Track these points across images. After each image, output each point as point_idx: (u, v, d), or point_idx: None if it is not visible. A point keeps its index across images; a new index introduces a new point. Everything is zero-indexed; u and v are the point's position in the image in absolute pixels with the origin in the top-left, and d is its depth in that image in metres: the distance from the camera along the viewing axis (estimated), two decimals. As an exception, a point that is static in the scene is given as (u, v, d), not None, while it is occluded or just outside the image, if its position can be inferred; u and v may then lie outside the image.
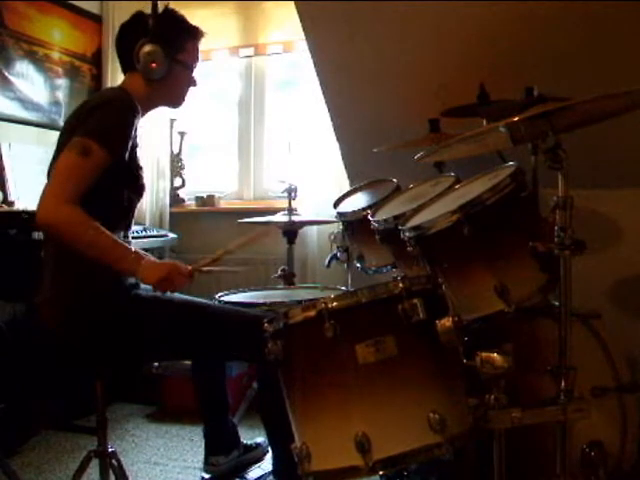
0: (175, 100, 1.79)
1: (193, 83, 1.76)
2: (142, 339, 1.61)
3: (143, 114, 1.73)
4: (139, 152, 1.68)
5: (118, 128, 1.55)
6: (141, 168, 1.69)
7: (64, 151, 1.49)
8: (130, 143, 1.57)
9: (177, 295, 1.82)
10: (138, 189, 1.70)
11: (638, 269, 2.34)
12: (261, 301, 2.00)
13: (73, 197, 1.44)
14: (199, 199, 3.45)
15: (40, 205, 1.44)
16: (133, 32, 1.66)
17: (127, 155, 1.57)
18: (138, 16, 1.70)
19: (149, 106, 1.75)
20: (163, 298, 1.72)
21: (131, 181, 1.65)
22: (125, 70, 1.73)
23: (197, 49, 1.75)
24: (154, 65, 1.63)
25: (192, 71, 1.75)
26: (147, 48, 1.62)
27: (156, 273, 1.51)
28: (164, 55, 1.63)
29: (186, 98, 1.79)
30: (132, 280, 1.72)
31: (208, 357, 1.98)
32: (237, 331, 1.63)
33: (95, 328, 1.56)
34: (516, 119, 1.19)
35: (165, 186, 3.47)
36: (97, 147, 1.47)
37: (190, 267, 1.59)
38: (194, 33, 1.73)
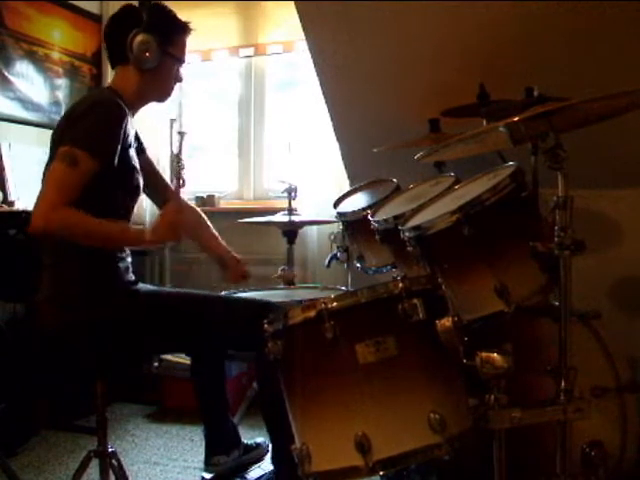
0: (163, 93, 1.81)
1: (179, 79, 1.79)
2: (142, 336, 1.61)
3: (134, 112, 1.76)
4: (132, 152, 1.69)
5: (105, 134, 1.57)
6: (135, 168, 1.70)
7: (54, 161, 1.52)
8: (119, 147, 1.58)
9: (176, 290, 1.86)
10: (132, 190, 1.71)
11: (638, 269, 2.34)
12: (261, 301, 2.00)
13: (65, 202, 1.47)
14: (199, 199, 3.45)
15: (34, 213, 1.47)
16: (124, 24, 1.68)
17: (117, 158, 1.58)
18: (128, 8, 1.72)
19: (140, 100, 1.77)
20: (162, 293, 1.73)
21: (124, 182, 1.67)
22: (114, 63, 1.75)
23: (185, 44, 1.78)
24: (147, 55, 1.66)
25: (180, 65, 1.77)
26: (141, 37, 1.64)
27: (160, 235, 1.56)
28: (157, 45, 1.66)
29: (172, 93, 1.82)
30: (131, 277, 1.73)
31: (208, 346, 1.96)
32: (238, 317, 1.65)
33: (95, 326, 1.57)
34: (516, 119, 1.19)
35: (165, 186, 3.46)
36: (85, 156, 1.50)
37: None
38: (184, 28, 1.76)
